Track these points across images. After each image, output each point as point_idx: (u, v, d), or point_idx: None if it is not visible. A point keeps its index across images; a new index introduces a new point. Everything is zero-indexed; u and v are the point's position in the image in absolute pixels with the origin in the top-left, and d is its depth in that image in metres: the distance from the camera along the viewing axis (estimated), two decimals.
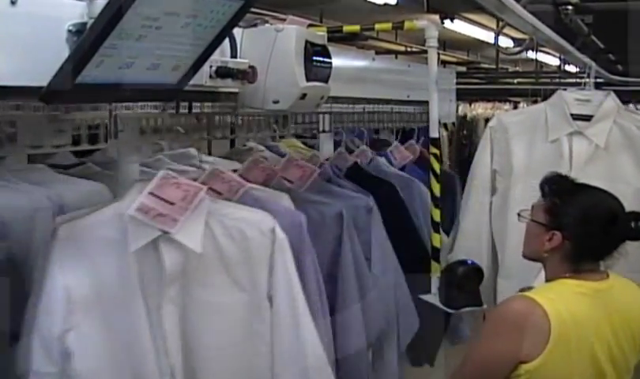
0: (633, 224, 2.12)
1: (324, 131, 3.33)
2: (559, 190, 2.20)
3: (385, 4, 6.62)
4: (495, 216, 2.94)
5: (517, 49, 2.91)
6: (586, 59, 3.27)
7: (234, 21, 1.76)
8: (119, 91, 1.63)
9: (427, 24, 2.58)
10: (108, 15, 1.41)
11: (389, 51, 9.22)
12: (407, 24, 2.61)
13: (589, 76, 2.99)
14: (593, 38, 3.67)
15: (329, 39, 2.46)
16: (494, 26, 8.52)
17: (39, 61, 1.52)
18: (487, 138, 2.99)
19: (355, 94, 3.19)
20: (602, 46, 4.91)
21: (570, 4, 2.91)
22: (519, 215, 2.26)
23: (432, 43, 2.60)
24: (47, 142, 1.79)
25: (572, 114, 2.86)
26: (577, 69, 8.69)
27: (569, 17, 3.00)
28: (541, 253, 2.17)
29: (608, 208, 2.15)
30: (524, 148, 2.85)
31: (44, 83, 1.48)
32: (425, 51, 2.65)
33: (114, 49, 1.50)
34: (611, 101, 2.89)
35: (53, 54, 1.52)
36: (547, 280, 2.17)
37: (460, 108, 9.13)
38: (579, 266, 2.12)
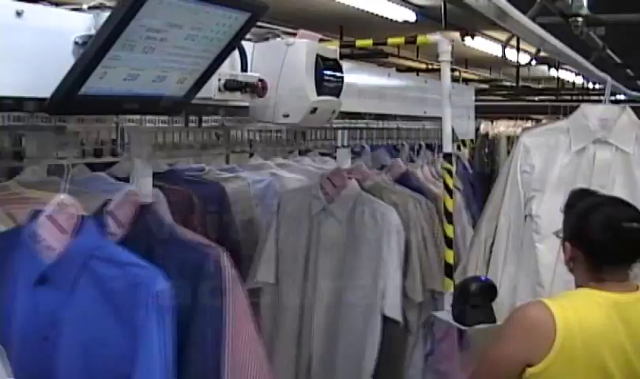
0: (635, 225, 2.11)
1: (341, 146, 3.33)
2: (568, 202, 2.22)
3: (405, 21, 6.62)
4: (514, 230, 2.91)
5: (530, 62, 2.86)
6: (601, 74, 3.24)
7: (241, 34, 1.75)
8: (124, 104, 1.62)
9: (440, 38, 2.57)
10: (111, 26, 1.41)
11: (410, 69, 9.21)
12: (419, 39, 2.59)
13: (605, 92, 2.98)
14: (609, 52, 3.63)
15: (350, 57, 2.45)
16: (514, 42, 8.50)
17: (46, 74, 1.52)
18: (513, 152, 2.99)
19: (370, 109, 3.18)
20: (618, 60, 4.86)
21: (579, 15, 2.89)
22: (557, 234, 2.30)
23: (445, 57, 2.59)
24: (52, 154, 1.79)
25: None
26: (598, 86, 8.66)
27: (580, 29, 2.97)
28: (567, 266, 2.22)
29: (605, 212, 2.16)
30: (546, 162, 2.84)
31: (49, 95, 1.49)
32: None
33: (119, 60, 1.50)
34: (627, 114, 2.89)
35: (59, 66, 1.52)
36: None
37: (482, 126, 9.11)
38: (600, 275, 2.13)
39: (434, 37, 2.58)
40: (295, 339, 2.99)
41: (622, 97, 6.38)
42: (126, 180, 2.48)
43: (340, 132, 3.27)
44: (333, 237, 2.96)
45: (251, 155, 4.03)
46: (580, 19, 2.94)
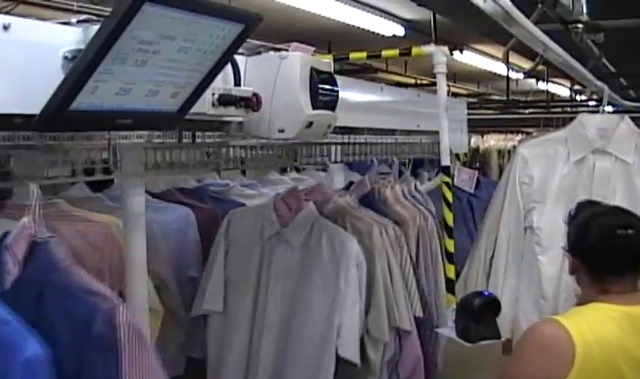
0: (631, 232, 2.08)
1: (334, 162, 3.27)
2: (572, 214, 2.20)
3: (394, 35, 6.61)
4: (515, 242, 2.86)
5: (533, 69, 2.82)
6: (599, 83, 3.21)
7: (234, 46, 1.70)
8: (117, 119, 1.57)
9: (435, 50, 2.53)
10: (102, 37, 1.36)
11: (398, 84, 9.20)
12: (414, 51, 2.55)
13: (602, 101, 2.95)
14: (605, 61, 3.62)
15: (339, 72, 2.41)
16: (503, 56, 8.49)
17: (34, 89, 1.47)
18: (511, 164, 2.95)
19: (364, 124, 3.13)
20: (613, 70, 4.85)
21: (579, 22, 2.86)
22: (564, 248, 2.28)
23: (441, 68, 2.54)
24: (41, 173, 1.73)
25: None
26: (587, 97, 8.65)
27: (579, 36, 2.94)
28: (575, 279, 2.21)
29: (601, 221, 2.14)
30: (546, 173, 2.79)
31: (39, 111, 1.43)
32: (435, 83, 2.59)
33: (110, 74, 1.44)
34: (626, 123, 2.85)
35: (48, 82, 1.46)
36: (580, 304, 2.15)
37: (472, 140, 9.09)
38: (604, 286, 2.12)
39: (428, 49, 2.54)
40: (242, 372, 2.73)
41: (609, 108, 6.37)
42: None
43: (333, 147, 3.22)
44: (286, 265, 2.68)
45: (243, 172, 3.99)
46: (580, 25, 2.91)
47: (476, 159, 9.03)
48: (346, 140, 3.11)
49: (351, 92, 2.95)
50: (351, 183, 3.40)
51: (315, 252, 2.61)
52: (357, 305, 2.53)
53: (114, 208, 2.61)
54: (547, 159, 2.84)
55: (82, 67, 1.37)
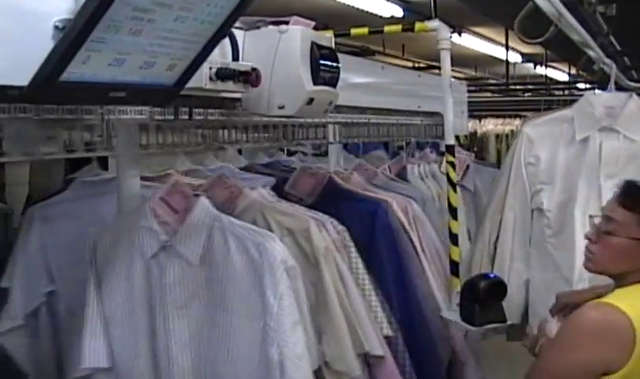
0: None
1: (333, 142, 3.21)
2: (622, 195, 2.07)
3: (392, 17, 6.53)
4: (521, 225, 2.79)
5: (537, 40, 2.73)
6: (607, 59, 3.15)
7: (233, 17, 1.63)
8: (110, 92, 1.49)
9: (439, 24, 2.45)
10: (94, 3, 1.28)
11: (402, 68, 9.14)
12: (418, 26, 2.48)
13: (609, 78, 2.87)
14: (612, 39, 3.54)
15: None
16: (502, 40, 8.42)
17: (23, 60, 1.39)
18: (515, 144, 2.87)
19: (364, 103, 3.06)
20: (619, 48, 4.77)
21: None
22: (607, 232, 2.09)
23: (445, 44, 2.47)
24: (37, 150, 1.66)
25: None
26: (588, 86, 8.58)
27: (592, 8, 2.86)
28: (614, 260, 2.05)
29: None
30: (552, 154, 2.71)
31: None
32: (433, 67, 2.54)
33: (103, 43, 1.37)
34: (635, 101, 2.78)
35: (38, 52, 1.39)
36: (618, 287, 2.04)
37: (470, 125, 9.05)
38: None
39: (432, 24, 2.47)
40: None
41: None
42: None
43: (332, 127, 3.14)
44: (185, 289, 1.95)
45: (240, 151, 3.93)
46: None
47: (473, 144, 8.99)
48: (348, 120, 3.03)
49: (350, 71, 2.88)
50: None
51: (223, 264, 1.91)
52: (299, 326, 1.83)
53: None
54: (552, 138, 2.76)
55: (73, 34, 1.30)
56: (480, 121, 9.31)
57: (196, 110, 2.15)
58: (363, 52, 7.45)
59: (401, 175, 3.32)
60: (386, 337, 2.27)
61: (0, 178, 3.48)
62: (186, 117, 2.12)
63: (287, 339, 1.81)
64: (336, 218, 2.34)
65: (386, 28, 2.60)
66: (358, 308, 2.16)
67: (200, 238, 1.93)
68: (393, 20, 6.62)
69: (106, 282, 2.02)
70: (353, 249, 2.30)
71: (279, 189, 2.62)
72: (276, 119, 2.50)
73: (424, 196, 3.19)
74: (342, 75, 2.28)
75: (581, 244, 2.22)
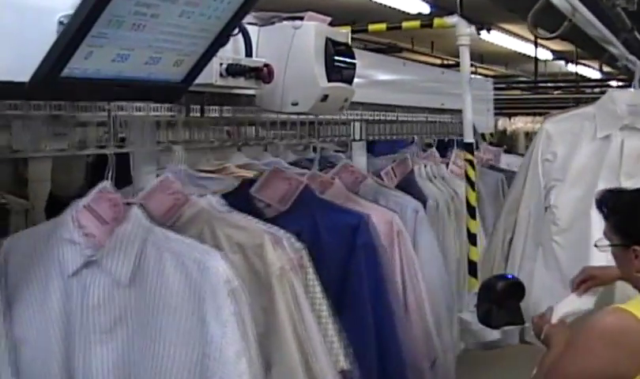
0: None
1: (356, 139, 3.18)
2: (618, 205, 2.03)
3: (419, 13, 6.49)
4: (535, 223, 2.73)
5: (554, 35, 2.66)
6: (631, 56, 3.08)
7: (242, 12, 1.60)
8: (115, 88, 1.48)
9: (459, 20, 2.42)
10: None
11: (424, 64, 9.08)
12: (437, 21, 2.45)
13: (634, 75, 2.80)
14: (636, 34, 3.45)
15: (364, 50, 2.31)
16: (532, 37, 8.32)
17: (28, 56, 1.38)
18: (534, 140, 2.80)
19: (383, 100, 3.02)
20: None
21: None
22: (596, 245, 2.09)
23: (464, 41, 2.43)
24: (45, 146, 1.65)
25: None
26: (620, 84, 8.45)
27: (611, 2, 2.79)
28: (635, 273, 2.00)
29: None
30: (570, 150, 2.64)
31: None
32: None
33: (105, 38, 1.35)
34: None
35: (43, 48, 1.37)
36: None
37: (499, 123, 8.97)
38: None
39: (451, 20, 2.44)
40: None
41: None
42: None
43: (355, 124, 3.11)
44: (112, 312, 1.68)
45: (265, 149, 3.90)
46: None
47: (503, 142, 8.90)
48: (374, 118, 3.00)
49: (369, 67, 2.85)
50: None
51: (156, 284, 1.65)
52: (243, 356, 1.59)
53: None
54: (572, 135, 2.69)
55: (73, 30, 1.28)
56: (509, 118, 9.21)
57: (221, 107, 2.13)
58: (390, 49, 7.41)
59: (408, 177, 3.14)
60: (342, 371, 1.98)
61: (23, 173, 3.50)
62: (216, 114, 2.10)
63: (229, 372, 1.57)
64: (312, 231, 2.15)
65: (404, 24, 2.57)
66: (313, 337, 1.88)
67: (131, 253, 1.66)
68: (420, 16, 6.58)
69: (18, 299, 1.73)
70: (311, 271, 1.97)
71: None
72: (302, 116, 2.49)
73: (434, 198, 3.05)
74: (361, 71, 2.25)
75: (597, 256, 2.16)
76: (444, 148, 4.08)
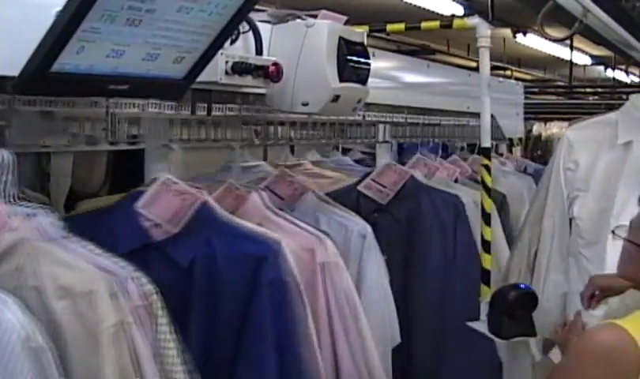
0: None
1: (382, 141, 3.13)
2: None
3: (453, 15, 6.40)
4: (560, 234, 2.64)
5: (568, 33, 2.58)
6: None
7: (245, 9, 1.57)
8: (110, 84, 1.45)
9: (479, 21, 2.35)
10: None
11: (460, 68, 8.97)
12: (456, 22, 2.39)
13: None
14: None
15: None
16: (568, 40, 8.18)
17: (25, 50, 1.36)
18: (556, 149, 2.72)
19: (404, 102, 2.97)
20: None
21: None
22: (613, 232, 2.00)
23: (484, 42, 2.36)
24: (38, 142, 1.63)
25: None
26: None
27: (631, 3, 2.69)
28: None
29: None
30: (592, 159, 2.55)
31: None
32: (498, 67, 2.42)
33: (97, 34, 1.33)
34: None
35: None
36: None
37: (535, 128, 8.83)
38: None
39: (472, 21, 2.37)
40: None
41: None
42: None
43: (379, 126, 3.07)
44: None
45: (292, 150, 3.86)
46: None
47: (537, 147, 8.76)
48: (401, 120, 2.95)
49: (389, 68, 2.80)
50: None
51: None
52: None
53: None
54: (594, 143, 2.59)
55: (62, 24, 1.26)
56: (545, 124, 9.06)
57: (246, 105, 2.10)
58: (423, 51, 7.33)
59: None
60: None
61: (45, 168, 3.50)
62: (247, 113, 2.09)
63: None
64: (208, 261, 1.75)
65: (423, 24, 2.52)
66: None
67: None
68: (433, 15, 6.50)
69: None
70: (164, 321, 1.47)
71: None
72: (333, 117, 2.47)
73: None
74: (383, 73, 2.19)
75: (612, 256, 2.07)
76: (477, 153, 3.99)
